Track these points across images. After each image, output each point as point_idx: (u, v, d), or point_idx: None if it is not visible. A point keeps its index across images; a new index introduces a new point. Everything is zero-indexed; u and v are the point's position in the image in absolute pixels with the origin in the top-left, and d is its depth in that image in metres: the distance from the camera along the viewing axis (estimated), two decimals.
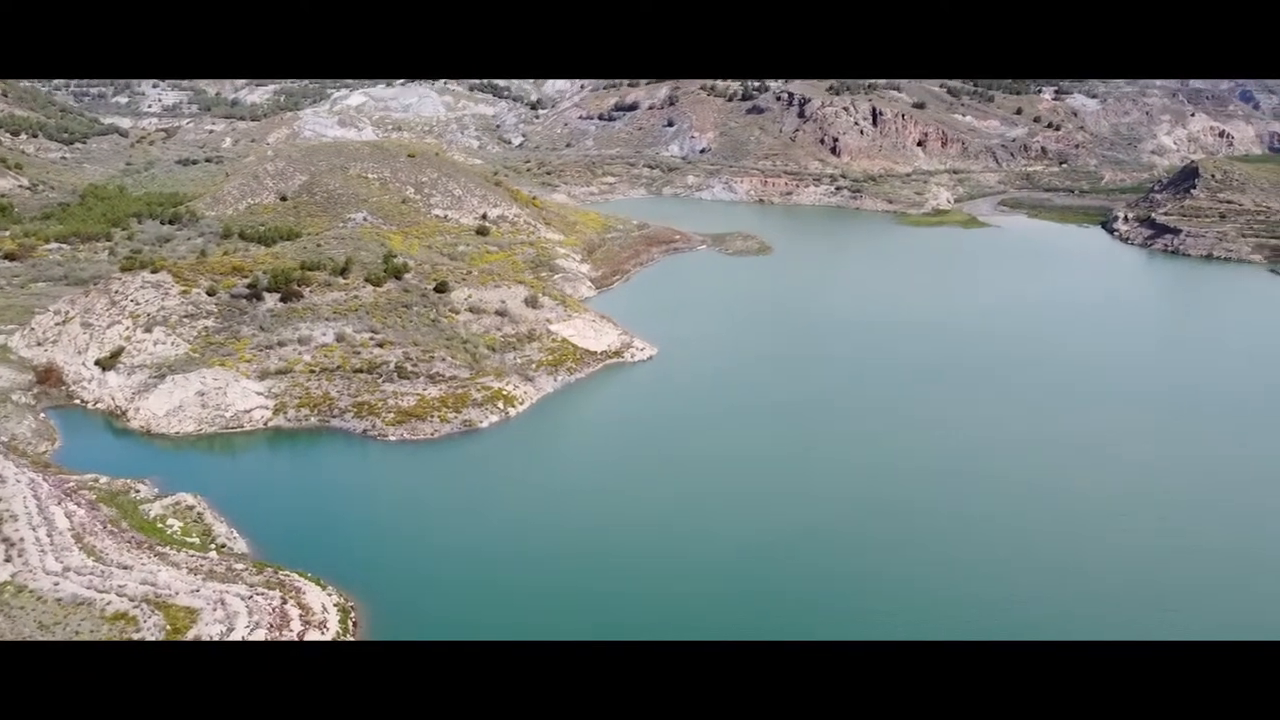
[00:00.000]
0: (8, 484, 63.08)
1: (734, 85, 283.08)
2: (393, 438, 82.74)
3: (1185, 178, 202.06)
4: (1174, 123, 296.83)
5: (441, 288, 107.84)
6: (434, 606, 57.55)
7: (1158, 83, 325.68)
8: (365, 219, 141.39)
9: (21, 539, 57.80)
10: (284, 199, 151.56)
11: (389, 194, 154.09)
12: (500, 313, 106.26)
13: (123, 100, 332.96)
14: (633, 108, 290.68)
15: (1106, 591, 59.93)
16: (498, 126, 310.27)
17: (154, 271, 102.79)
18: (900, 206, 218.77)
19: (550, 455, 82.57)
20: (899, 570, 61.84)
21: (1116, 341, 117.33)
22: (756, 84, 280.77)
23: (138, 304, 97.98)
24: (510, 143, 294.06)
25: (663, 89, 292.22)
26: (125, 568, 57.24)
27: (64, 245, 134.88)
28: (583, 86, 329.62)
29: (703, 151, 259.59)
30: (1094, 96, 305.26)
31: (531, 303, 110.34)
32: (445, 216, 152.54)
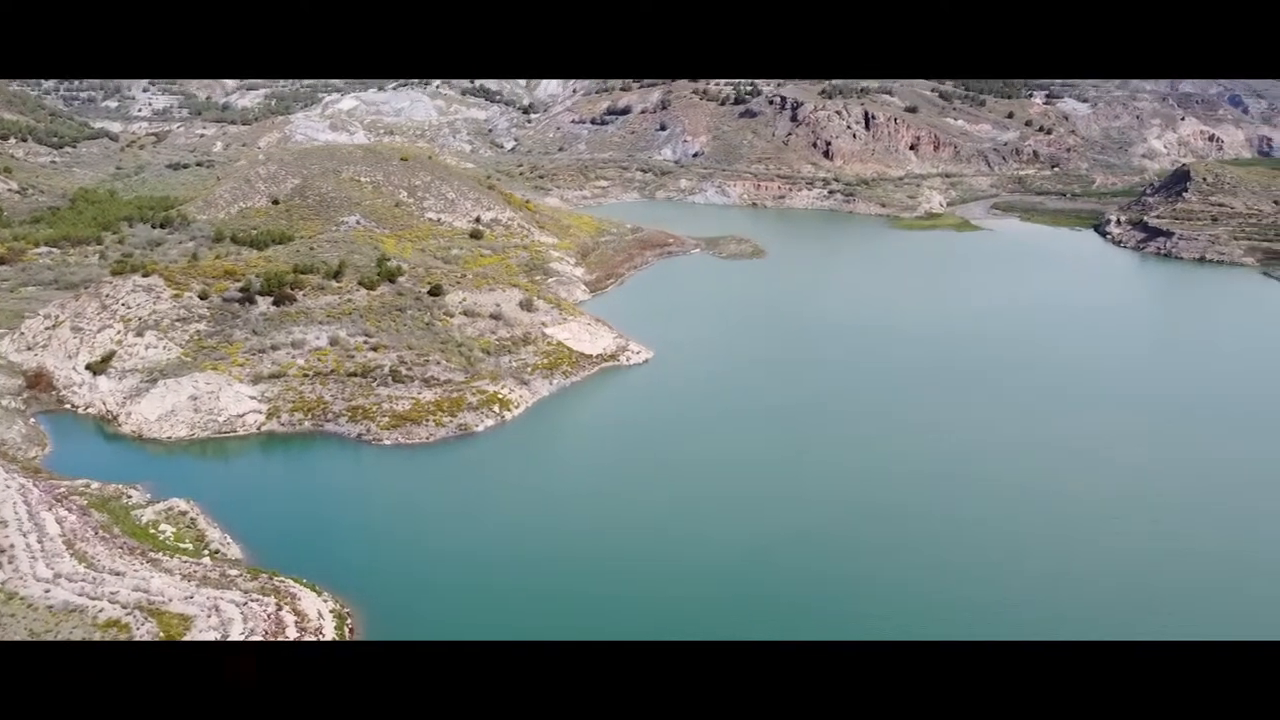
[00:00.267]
0: None
1: (726, 89, 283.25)
2: (387, 442, 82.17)
3: (1177, 181, 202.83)
4: (1164, 127, 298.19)
5: (436, 291, 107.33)
6: (430, 611, 57.10)
7: (1147, 87, 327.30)
8: (358, 222, 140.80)
9: (12, 545, 57.08)
10: (276, 202, 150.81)
11: (382, 197, 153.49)
12: (495, 316, 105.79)
13: (112, 104, 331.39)
14: (625, 111, 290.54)
15: (1099, 594, 59.82)
16: (490, 130, 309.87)
17: (145, 275, 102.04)
18: (893, 210, 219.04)
19: (546, 459, 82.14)
20: (893, 574, 61.66)
21: (1111, 344, 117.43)
22: (749, 87, 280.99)
23: (129, 308, 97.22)
24: (502, 147, 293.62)
25: (655, 93, 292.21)
26: (117, 574, 56.57)
27: (54, 249, 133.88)
28: (575, 91, 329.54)
29: (695, 155, 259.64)
30: (1084, 100, 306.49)
31: (526, 306, 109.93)
32: (438, 220, 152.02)
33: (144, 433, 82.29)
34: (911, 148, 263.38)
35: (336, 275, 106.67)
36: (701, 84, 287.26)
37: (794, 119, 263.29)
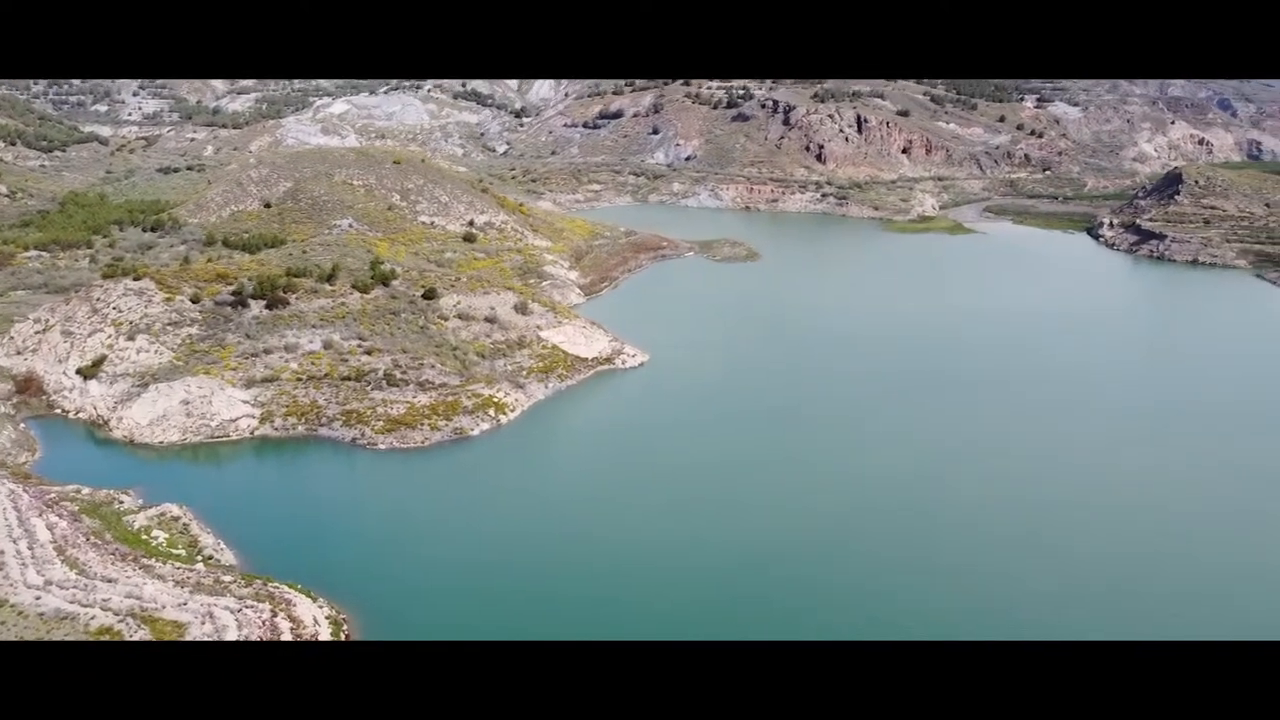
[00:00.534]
0: None
1: (718, 92, 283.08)
2: (382, 446, 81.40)
3: (1169, 184, 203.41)
4: (1154, 130, 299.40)
5: (430, 294, 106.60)
6: (426, 616, 56.50)
7: (1138, 91, 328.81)
8: (351, 226, 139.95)
9: (1, 552, 56.16)
10: (268, 206, 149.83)
11: (375, 201, 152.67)
12: (490, 319, 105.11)
13: (102, 108, 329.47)
14: (617, 115, 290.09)
15: (1097, 597, 59.51)
16: (482, 134, 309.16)
17: (136, 279, 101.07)
18: (886, 213, 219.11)
19: (543, 463, 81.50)
20: (890, 577, 61.37)
21: (1106, 346, 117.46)
22: (741, 91, 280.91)
23: (120, 311, 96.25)
24: (494, 150, 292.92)
25: (647, 96, 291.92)
26: (109, 581, 55.70)
27: (43, 253, 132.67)
28: (566, 94, 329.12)
29: (688, 159, 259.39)
30: (1075, 104, 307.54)
31: (521, 309, 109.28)
32: (432, 223, 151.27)
33: (135, 437, 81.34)
34: (904, 151, 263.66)
35: (330, 279, 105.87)
36: (693, 87, 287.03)
37: (786, 122, 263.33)
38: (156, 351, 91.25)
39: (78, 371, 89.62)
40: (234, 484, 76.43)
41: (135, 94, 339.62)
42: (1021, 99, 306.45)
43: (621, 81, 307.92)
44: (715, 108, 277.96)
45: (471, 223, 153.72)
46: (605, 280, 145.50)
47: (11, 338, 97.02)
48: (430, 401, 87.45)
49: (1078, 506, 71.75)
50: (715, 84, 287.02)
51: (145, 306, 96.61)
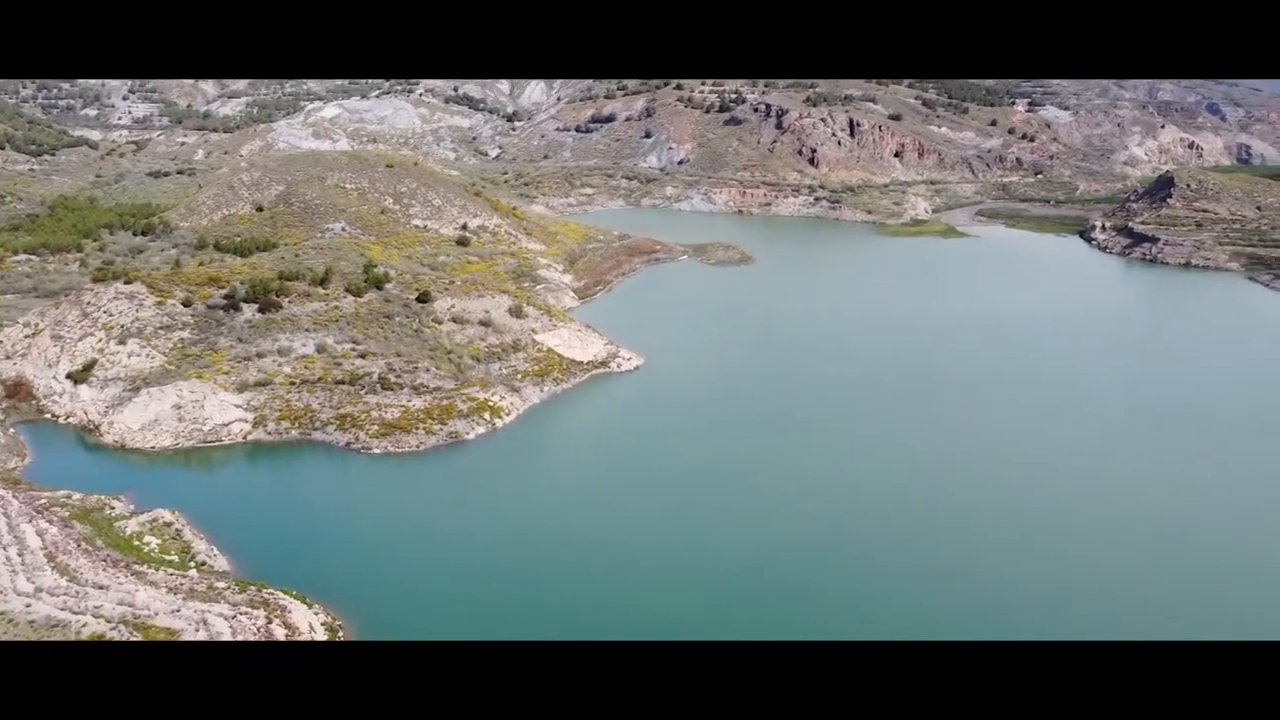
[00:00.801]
0: None
1: (711, 96, 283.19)
2: (377, 450, 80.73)
3: (1161, 187, 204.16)
4: (1145, 134, 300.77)
5: (424, 298, 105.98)
6: (423, 622, 55.90)
7: (1127, 95, 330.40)
8: (344, 229, 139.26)
9: None
10: (260, 209, 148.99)
11: (367, 204, 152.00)
12: (484, 323, 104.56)
13: (92, 112, 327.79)
14: (610, 119, 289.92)
15: (1095, 599, 59.21)
16: (474, 138, 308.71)
17: (127, 282, 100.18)
18: (879, 217, 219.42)
19: (539, 467, 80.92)
20: (887, 580, 60.94)
21: (1100, 350, 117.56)
22: (733, 95, 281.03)
23: (111, 315, 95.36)
24: (487, 154, 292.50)
25: (639, 100, 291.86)
26: (101, 588, 54.92)
27: (33, 256, 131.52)
28: (559, 98, 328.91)
29: (681, 163, 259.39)
30: (1066, 108, 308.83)
31: (516, 312, 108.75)
32: (425, 227, 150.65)
33: (127, 442, 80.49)
34: (896, 155, 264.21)
35: (323, 282, 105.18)
36: (686, 91, 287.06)
37: (779, 126, 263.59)
38: (148, 355, 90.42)
39: (68, 376, 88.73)
40: (227, 489, 75.63)
41: (125, 98, 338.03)
42: (1013, 103, 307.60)
43: (613, 85, 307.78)
44: (708, 111, 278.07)
45: (465, 226, 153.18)
46: (599, 284, 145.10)
47: (1, 342, 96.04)
48: (425, 405, 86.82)
49: (1071, 509, 71.54)
50: (707, 87, 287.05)
51: (136, 310, 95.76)
